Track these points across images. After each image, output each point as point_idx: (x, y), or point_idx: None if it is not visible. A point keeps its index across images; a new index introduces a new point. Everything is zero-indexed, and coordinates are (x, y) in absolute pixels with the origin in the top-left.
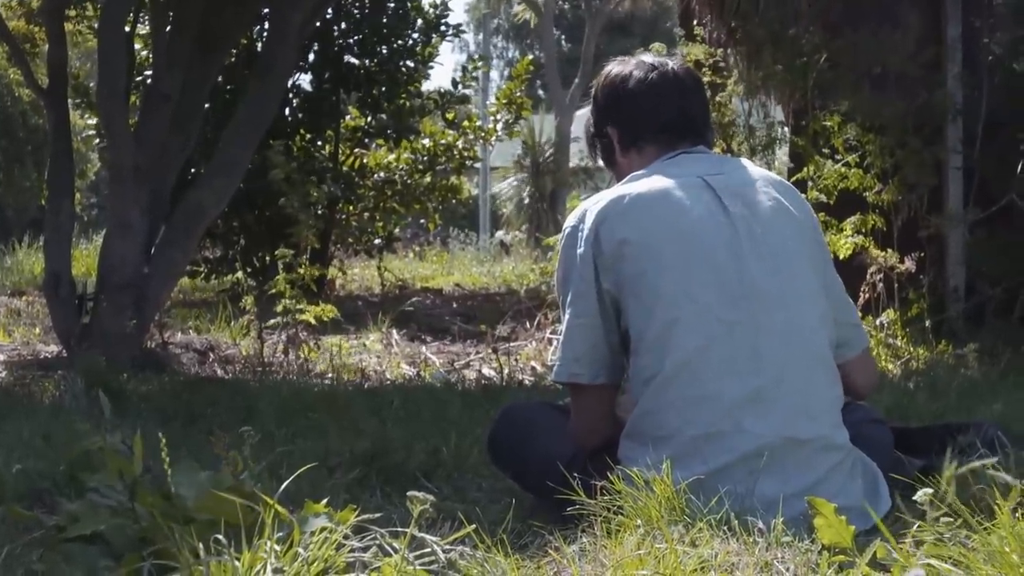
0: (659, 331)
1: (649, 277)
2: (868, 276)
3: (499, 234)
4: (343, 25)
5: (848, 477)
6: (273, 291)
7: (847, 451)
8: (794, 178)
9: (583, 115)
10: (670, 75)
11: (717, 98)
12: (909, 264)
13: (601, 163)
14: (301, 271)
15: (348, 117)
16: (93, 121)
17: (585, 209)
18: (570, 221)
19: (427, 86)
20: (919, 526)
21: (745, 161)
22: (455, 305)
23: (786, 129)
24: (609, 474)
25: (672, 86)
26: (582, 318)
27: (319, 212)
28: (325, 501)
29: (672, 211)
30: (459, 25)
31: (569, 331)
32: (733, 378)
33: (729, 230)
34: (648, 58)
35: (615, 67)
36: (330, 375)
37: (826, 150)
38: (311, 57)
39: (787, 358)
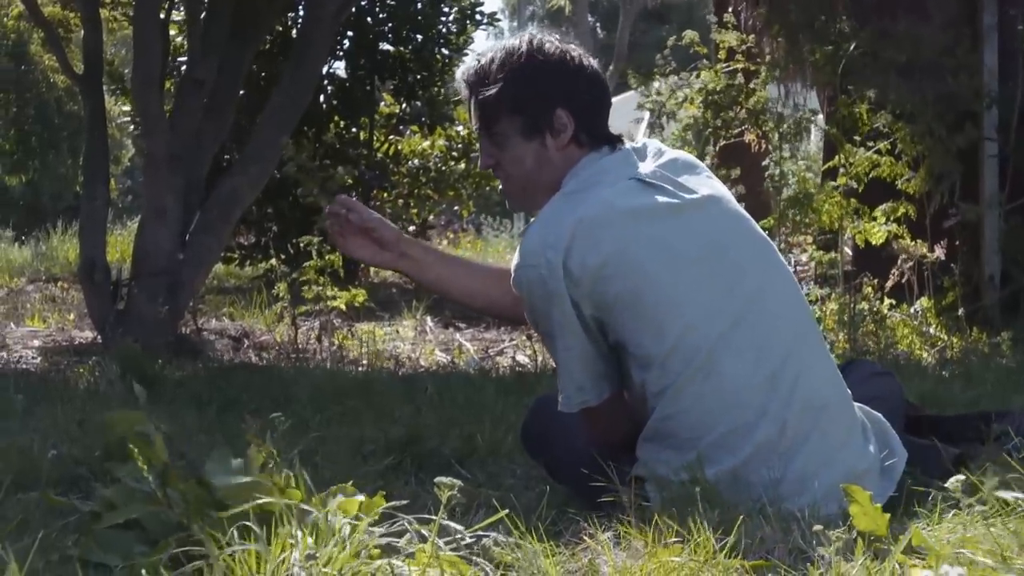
0: (673, 343)
1: (643, 293)
2: (899, 263)
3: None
4: (378, 12)
5: (863, 439)
6: (303, 279)
7: (856, 411)
8: (826, 165)
9: (617, 102)
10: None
11: (751, 85)
12: (940, 252)
13: (523, 153)
14: (330, 257)
15: (383, 104)
16: (128, 108)
17: (539, 243)
18: (526, 259)
19: None
20: (953, 514)
21: (649, 144)
22: None
23: (820, 116)
24: (639, 469)
25: (603, 76)
26: (573, 349)
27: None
28: (358, 487)
29: (634, 220)
30: (494, 13)
31: (564, 363)
32: (746, 369)
33: (692, 221)
34: (560, 39)
35: (549, 43)
36: (364, 362)
37: (857, 137)
38: (346, 44)
39: (787, 335)
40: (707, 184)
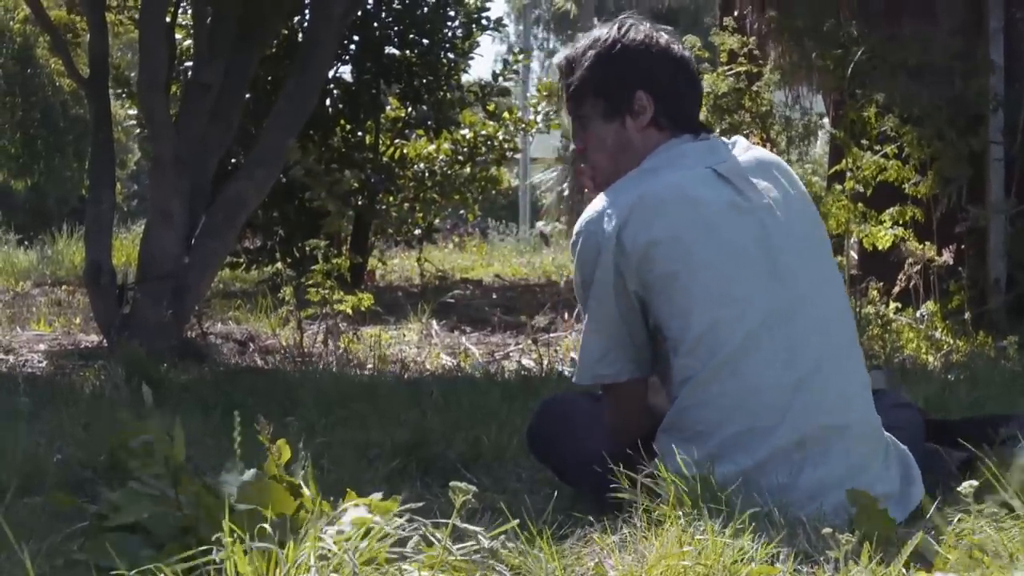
0: (700, 332)
1: (682, 278)
2: (906, 267)
3: (539, 225)
4: (384, 16)
5: (884, 463)
6: (309, 283)
7: (881, 435)
8: (833, 169)
9: None
10: (688, 54)
11: (754, 87)
12: (947, 256)
13: (606, 133)
14: (336, 261)
15: (388, 108)
16: (134, 111)
17: (600, 211)
18: (585, 225)
19: (467, 76)
20: (960, 518)
21: (739, 141)
22: (495, 296)
23: (826, 120)
24: (652, 462)
25: (692, 66)
26: (602, 323)
27: (358, 202)
28: (365, 491)
29: (695, 208)
30: (500, 19)
31: (588, 335)
32: (774, 372)
33: (753, 221)
34: (650, 26)
35: (636, 29)
36: (370, 365)
37: (864, 141)
38: (352, 48)
39: (823, 346)
40: (780, 188)
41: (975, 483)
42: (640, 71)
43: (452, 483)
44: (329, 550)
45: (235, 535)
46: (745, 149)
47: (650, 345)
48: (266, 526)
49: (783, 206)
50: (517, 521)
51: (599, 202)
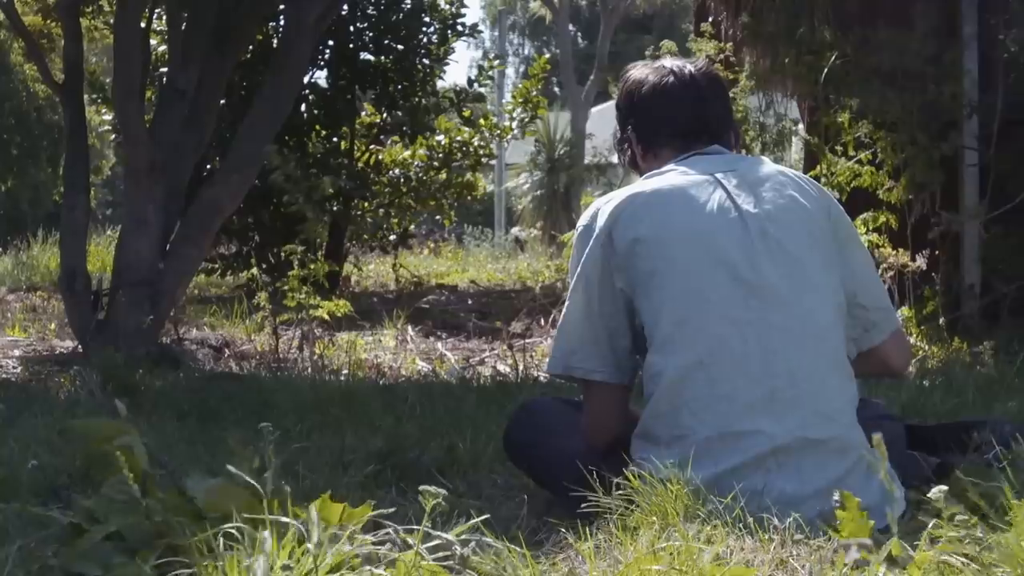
0: (668, 330)
1: (660, 276)
2: (880, 273)
3: (514, 231)
4: (359, 22)
5: (864, 477)
6: (286, 288)
7: (863, 450)
8: (807, 175)
9: (598, 112)
10: (686, 79)
11: (730, 94)
12: (921, 261)
13: (628, 165)
14: (313, 267)
15: (364, 114)
16: (109, 117)
17: (597, 208)
18: (582, 220)
19: (442, 81)
20: (934, 523)
21: (761, 158)
22: (470, 302)
23: (800, 126)
24: (624, 470)
25: (687, 90)
26: (580, 314)
27: (334, 208)
28: (340, 497)
29: (684, 209)
30: (475, 25)
31: (564, 325)
32: (746, 379)
33: (741, 229)
34: (668, 61)
35: (635, 71)
36: (345, 371)
37: (839, 147)
38: (327, 54)
39: (801, 358)
40: (787, 204)
41: (945, 488)
42: (625, 113)
43: (422, 487)
44: (298, 556)
45: (204, 542)
46: (757, 163)
47: (634, 352)
48: (236, 532)
49: (779, 218)
50: (486, 515)
51: (600, 200)
